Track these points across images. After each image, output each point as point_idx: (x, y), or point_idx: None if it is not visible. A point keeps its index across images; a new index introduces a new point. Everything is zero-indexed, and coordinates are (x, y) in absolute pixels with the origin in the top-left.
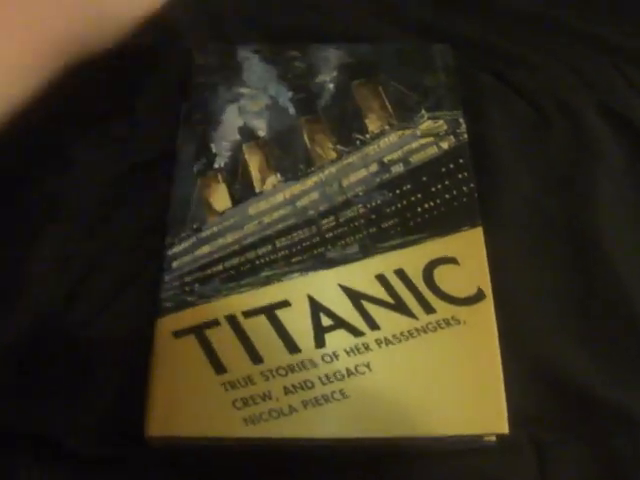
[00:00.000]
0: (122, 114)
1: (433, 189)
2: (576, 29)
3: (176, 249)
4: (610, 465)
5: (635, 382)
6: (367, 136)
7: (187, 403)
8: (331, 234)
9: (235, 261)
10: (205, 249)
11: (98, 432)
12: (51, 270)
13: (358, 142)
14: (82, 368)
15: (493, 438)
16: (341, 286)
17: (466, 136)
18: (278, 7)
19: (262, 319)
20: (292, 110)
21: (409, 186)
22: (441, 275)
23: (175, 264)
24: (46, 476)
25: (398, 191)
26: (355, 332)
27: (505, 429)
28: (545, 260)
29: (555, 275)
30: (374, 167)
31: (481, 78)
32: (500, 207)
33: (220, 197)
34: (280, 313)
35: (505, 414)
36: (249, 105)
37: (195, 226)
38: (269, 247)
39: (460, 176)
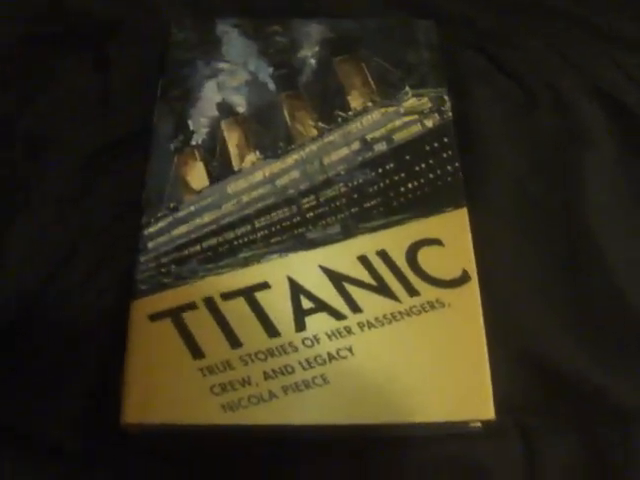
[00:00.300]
0: (96, 90)
1: (417, 168)
2: (568, 13)
3: (152, 229)
4: (596, 451)
5: (621, 367)
6: (349, 113)
7: (164, 389)
8: (312, 214)
9: (213, 241)
10: (182, 229)
11: (75, 422)
12: (25, 254)
13: (340, 119)
14: (58, 355)
15: (478, 424)
16: (322, 267)
17: (451, 114)
18: None
19: (241, 302)
20: (272, 86)
21: (392, 165)
22: (425, 257)
23: (151, 244)
24: (18, 468)
25: (381, 170)
26: (337, 315)
27: (491, 415)
28: (531, 242)
29: (541, 258)
30: (356, 145)
31: (466, 56)
32: (485, 188)
33: (197, 175)
34: (259, 295)
35: (491, 399)
36: (228, 81)
37: (172, 205)
38: (248, 227)
39: (445, 155)
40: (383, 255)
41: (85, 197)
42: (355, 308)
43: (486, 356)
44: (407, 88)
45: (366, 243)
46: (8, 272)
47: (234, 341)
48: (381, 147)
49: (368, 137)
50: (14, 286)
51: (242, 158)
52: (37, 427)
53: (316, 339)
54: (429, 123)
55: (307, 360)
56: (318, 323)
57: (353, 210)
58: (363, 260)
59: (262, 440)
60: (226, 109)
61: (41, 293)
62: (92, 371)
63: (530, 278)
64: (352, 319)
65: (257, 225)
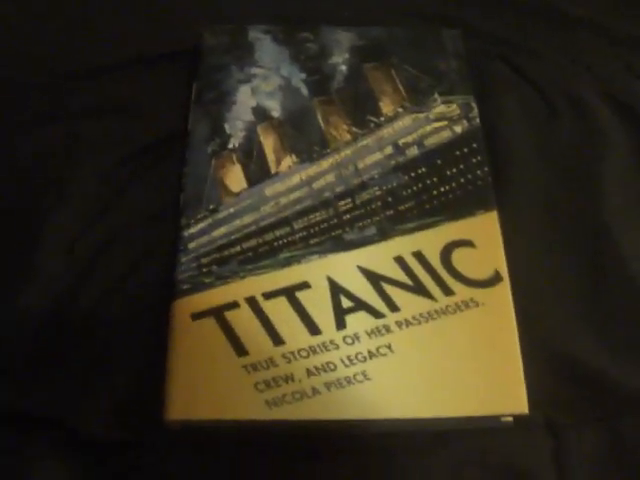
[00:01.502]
0: (130, 94)
1: (448, 172)
2: (581, 19)
3: (192, 230)
4: (623, 444)
5: None
6: (381, 119)
7: (207, 386)
8: (348, 216)
9: (253, 242)
10: (222, 230)
11: (115, 416)
12: (62, 253)
13: (372, 124)
14: (97, 351)
15: (510, 418)
16: (360, 268)
17: (478, 120)
18: None
19: (282, 301)
20: (305, 91)
21: (424, 169)
22: (458, 257)
23: (191, 245)
24: (62, 461)
25: (413, 174)
26: (375, 314)
27: (525, 409)
28: (555, 244)
29: (565, 259)
30: (389, 150)
31: (489, 65)
32: (512, 193)
33: (235, 178)
34: (300, 295)
35: (524, 394)
36: (262, 85)
37: (211, 207)
38: (287, 229)
39: (474, 160)
40: (418, 256)
41: (122, 198)
42: (393, 307)
43: (519, 353)
44: (436, 95)
45: (402, 244)
46: (45, 271)
47: (277, 339)
48: (413, 152)
49: (400, 142)
50: (52, 285)
51: (279, 162)
52: (82, 421)
53: (356, 337)
54: (458, 129)
55: (348, 357)
56: (358, 321)
57: (388, 212)
58: (399, 261)
59: (304, 435)
60: (261, 113)
61: (80, 291)
62: (135, 367)
63: (556, 278)
64: (390, 318)
65: (296, 227)
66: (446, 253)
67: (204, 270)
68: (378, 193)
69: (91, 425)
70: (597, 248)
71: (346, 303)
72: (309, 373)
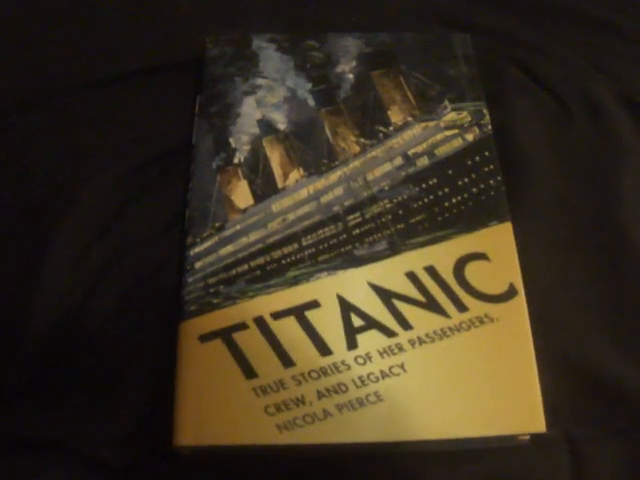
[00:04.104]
0: (133, 106)
1: (460, 183)
2: (595, 19)
3: (198, 249)
4: None
5: None
6: (390, 128)
7: (217, 410)
8: (358, 231)
9: (260, 260)
10: (229, 248)
11: (123, 441)
12: (65, 269)
13: (381, 135)
14: (103, 372)
15: (527, 437)
16: (371, 285)
17: (490, 127)
18: None
19: (291, 321)
20: (312, 102)
21: (435, 180)
22: (472, 272)
23: (198, 265)
24: None
25: (424, 185)
26: (387, 332)
27: (542, 428)
28: (575, 254)
29: (585, 270)
30: (399, 160)
31: (501, 68)
32: (527, 201)
33: (241, 194)
34: (310, 314)
35: (542, 413)
36: (267, 97)
37: (217, 224)
38: (295, 245)
39: (486, 169)
40: (431, 271)
41: (126, 213)
42: (405, 325)
43: (535, 370)
44: (446, 102)
45: (413, 259)
46: (50, 288)
47: (287, 360)
48: (423, 162)
49: (410, 152)
50: (57, 303)
51: (286, 176)
52: (87, 443)
53: (368, 357)
54: (470, 137)
55: (360, 378)
56: (369, 341)
57: (399, 226)
58: (411, 276)
59: (316, 459)
60: (267, 126)
61: (84, 311)
62: (143, 390)
63: (574, 288)
64: (403, 336)
65: (304, 243)
66: (459, 267)
67: (211, 290)
68: (388, 206)
69: (98, 450)
70: (616, 256)
71: (357, 322)
72: (320, 395)
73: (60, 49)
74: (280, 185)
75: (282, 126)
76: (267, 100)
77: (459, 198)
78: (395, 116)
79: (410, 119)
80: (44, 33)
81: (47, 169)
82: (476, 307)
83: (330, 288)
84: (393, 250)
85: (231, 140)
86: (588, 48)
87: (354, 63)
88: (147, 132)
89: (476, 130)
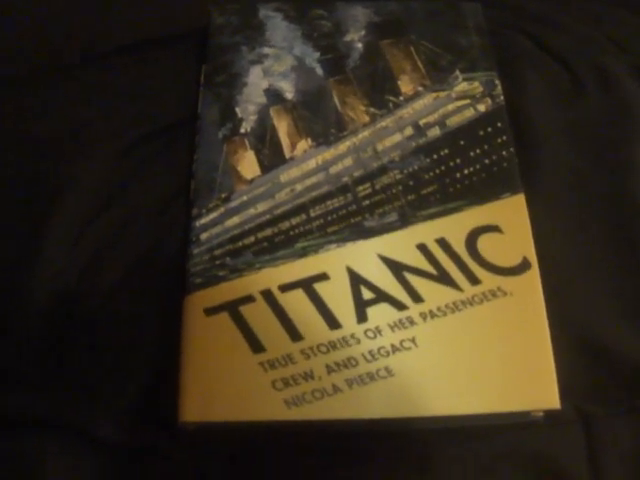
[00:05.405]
0: (138, 77)
1: (472, 154)
2: None
3: (204, 220)
4: None
5: None
6: (400, 98)
7: (223, 385)
8: (368, 202)
9: (268, 232)
10: (235, 220)
11: (127, 419)
12: (68, 244)
13: (391, 105)
14: (106, 350)
15: (541, 413)
16: (381, 257)
17: (502, 98)
18: None
19: (300, 293)
20: (320, 71)
21: (447, 151)
22: (484, 244)
23: (203, 236)
24: (74, 465)
25: (435, 156)
26: (398, 305)
27: (557, 404)
28: (588, 227)
29: (599, 243)
30: (409, 131)
31: (512, 38)
32: (539, 173)
33: (248, 164)
34: (318, 287)
35: (556, 389)
36: (274, 66)
37: (223, 195)
38: (303, 216)
39: (499, 140)
40: (442, 243)
41: (129, 186)
42: (417, 298)
43: (550, 345)
44: (457, 72)
45: (425, 231)
46: (52, 264)
47: (295, 334)
48: (435, 132)
49: (421, 122)
50: (59, 278)
51: (293, 146)
52: (90, 422)
53: (378, 330)
54: (482, 107)
55: (370, 352)
56: (380, 314)
57: (409, 197)
58: (422, 248)
59: (325, 435)
60: (274, 95)
61: (87, 286)
62: (147, 364)
63: (588, 262)
64: (414, 309)
65: (312, 214)
66: (471, 240)
67: (217, 262)
68: (399, 177)
69: (102, 428)
70: (630, 228)
71: (367, 295)
72: (329, 370)
73: (61, 22)
74: (288, 155)
75: (290, 95)
76: (274, 69)
77: (471, 169)
78: (405, 86)
79: (421, 89)
80: (45, 6)
81: (51, 142)
82: (489, 280)
83: (339, 260)
84: (404, 222)
85: (237, 110)
86: (600, 20)
87: (363, 32)
88: (152, 104)
89: (488, 100)
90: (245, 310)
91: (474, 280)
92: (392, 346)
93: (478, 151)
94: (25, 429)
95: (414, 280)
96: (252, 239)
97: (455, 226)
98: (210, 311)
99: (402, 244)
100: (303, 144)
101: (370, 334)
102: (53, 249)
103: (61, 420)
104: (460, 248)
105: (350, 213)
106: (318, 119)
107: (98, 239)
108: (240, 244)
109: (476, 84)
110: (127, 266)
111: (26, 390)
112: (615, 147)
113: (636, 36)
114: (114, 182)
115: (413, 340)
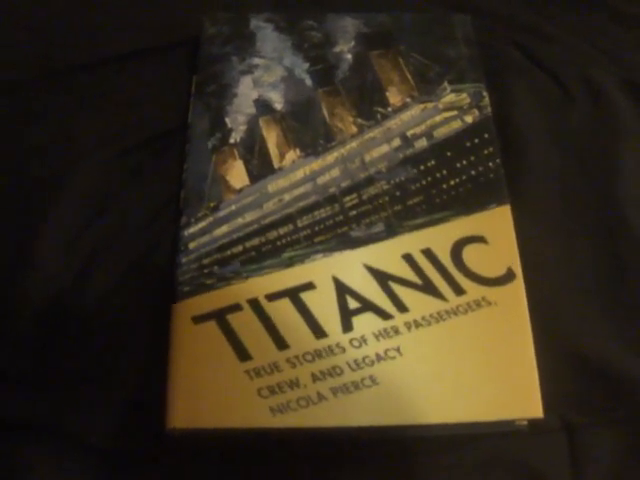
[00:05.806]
0: (128, 87)
1: (458, 165)
2: (596, 2)
3: (192, 229)
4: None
5: None
6: (388, 109)
7: (210, 393)
8: (354, 212)
9: (255, 241)
10: (223, 229)
11: (115, 424)
12: (59, 251)
13: (379, 116)
14: (95, 355)
15: (524, 422)
16: (367, 267)
17: (490, 109)
18: None
19: (286, 302)
20: (309, 82)
21: (433, 162)
22: (470, 254)
23: (192, 245)
24: (61, 470)
25: (422, 167)
26: (383, 315)
27: (540, 413)
28: (573, 238)
29: (584, 253)
30: (397, 142)
31: (501, 50)
32: (526, 184)
33: (237, 174)
34: (305, 296)
35: (539, 398)
36: (264, 76)
37: (212, 205)
38: (290, 226)
39: (486, 151)
40: (428, 253)
41: (120, 194)
42: (402, 308)
43: (533, 355)
44: (445, 83)
45: (410, 241)
46: (43, 270)
47: (281, 343)
48: (422, 143)
49: (408, 133)
50: (50, 285)
51: (282, 156)
52: (77, 427)
53: (364, 340)
54: (469, 119)
55: (355, 361)
56: (365, 323)
57: (396, 208)
58: (408, 259)
59: (310, 443)
60: (263, 106)
61: (77, 293)
62: (135, 371)
63: (572, 273)
64: (399, 319)
65: (300, 224)
66: (457, 250)
67: (205, 271)
68: (385, 187)
69: (89, 433)
70: (615, 240)
71: (353, 304)
72: (314, 378)
73: (54, 30)
74: (276, 165)
75: (279, 106)
76: (264, 80)
77: (457, 180)
78: (393, 97)
79: (408, 100)
80: (38, 14)
81: (42, 150)
82: (473, 290)
83: (326, 270)
84: (390, 232)
85: (227, 120)
86: (589, 32)
87: (352, 43)
88: (143, 113)
89: (475, 112)
90: (232, 318)
91: (459, 290)
92: (377, 355)
93: (465, 162)
94: (13, 433)
95: (399, 290)
96: (240, 248)
97: (441, 236)
98: (198, 319)
99: (388, 254)
100: (291, 154)
101: (355, 343)
102: (46, 255)
103: (49, 425)
104: (445, 258)
105: (337, 223)
106: (307, 130)
107: (90, 246)
108: (228, 253)
109: (464, 95)
110: (118, 273)
111: (14, 394)
112: (602, 158)
113: (625, 48)
114: (106, 190)
115: (398, 349)
